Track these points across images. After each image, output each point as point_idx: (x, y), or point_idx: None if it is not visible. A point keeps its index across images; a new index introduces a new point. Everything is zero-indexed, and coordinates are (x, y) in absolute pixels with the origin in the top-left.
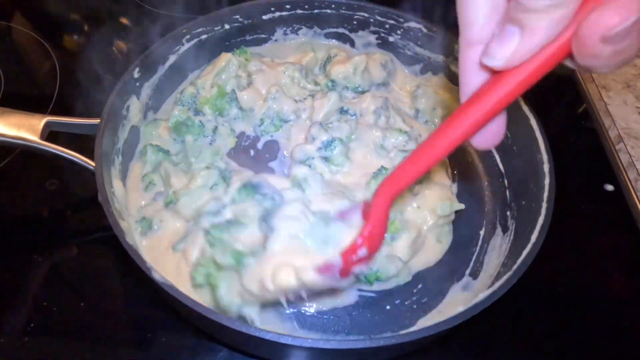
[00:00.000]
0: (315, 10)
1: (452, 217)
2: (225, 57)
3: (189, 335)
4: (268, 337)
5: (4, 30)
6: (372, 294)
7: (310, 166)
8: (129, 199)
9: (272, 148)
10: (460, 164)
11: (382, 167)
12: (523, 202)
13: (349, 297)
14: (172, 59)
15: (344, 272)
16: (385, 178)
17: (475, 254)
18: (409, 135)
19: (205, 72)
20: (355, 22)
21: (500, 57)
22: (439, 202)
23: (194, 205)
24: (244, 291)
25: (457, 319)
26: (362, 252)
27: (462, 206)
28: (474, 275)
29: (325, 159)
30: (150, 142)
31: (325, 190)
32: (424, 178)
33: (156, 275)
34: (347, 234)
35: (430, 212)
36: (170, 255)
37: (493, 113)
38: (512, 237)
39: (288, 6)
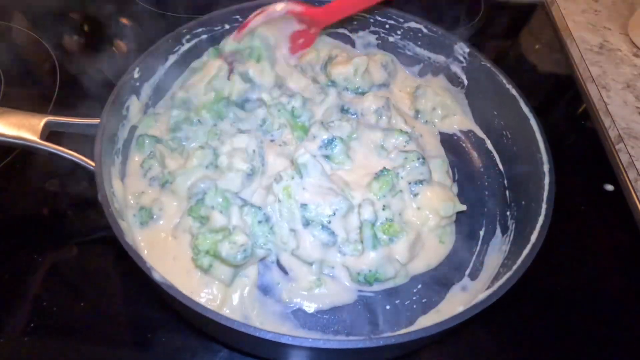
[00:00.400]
0: None
1: (454, 217)
2: (215, 65)
3: (189, 335)
4: (268, 337)
5: (4, 30)
6: (372, 294)
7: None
8: (127, 188)
9: None
10: (460, 164)
11: (384, 168)
12: (523, 202)
13: (348, 297)
14: (172, 59)
15: None
16: None
17: (475, 254)
18: (409, 135)
19: (196, 79)
20: (355, 22)
21: None
22: (441, 202)
23: (189, 183)
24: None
25: (457, 319)
26: None
27: (463, 207)
28: (474, 275)
29: (327, 157)
30: (146, 133)
31: (323, 183)
32: (424, 179)
33: (156, 276)
34: None
35: (432, 212)
36: (171, 244)
37: None
38: (512, 237)
39: None
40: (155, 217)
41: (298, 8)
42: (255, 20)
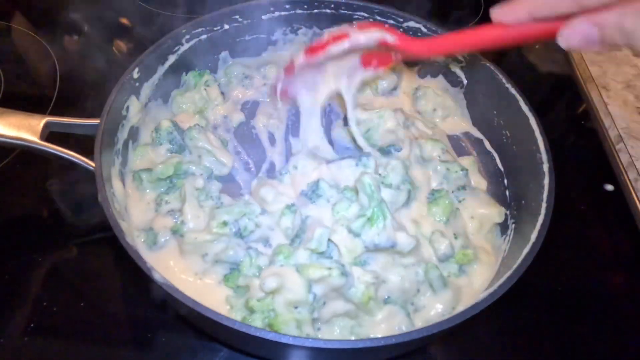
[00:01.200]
0: (315, 10)
1: None
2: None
3: (189, 335)
4: (269, 337)
5: (4, 30)
6: None
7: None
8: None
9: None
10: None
11: (434, 190)
12: (523, 202)
13: None
14: (171, 59)
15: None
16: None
17: None
18: (444, 144)
19: (188, 115)
20: (354, 23)
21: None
22: (492, 208)
23: (201, 252)
24: None
25: (457, 318)
26: None
27: (503, 208)
28: None
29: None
30: (141, 168)
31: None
32: (465, 185)
33: (156, 276)
34: None
35: (485, 220)
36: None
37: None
38: (511, 237)
39: (287, 6)
40: (159, 244)
41: (392, 39)
42: (338, 46)
